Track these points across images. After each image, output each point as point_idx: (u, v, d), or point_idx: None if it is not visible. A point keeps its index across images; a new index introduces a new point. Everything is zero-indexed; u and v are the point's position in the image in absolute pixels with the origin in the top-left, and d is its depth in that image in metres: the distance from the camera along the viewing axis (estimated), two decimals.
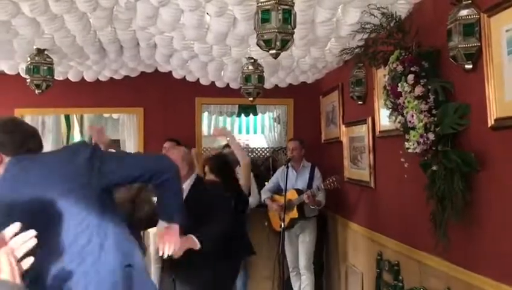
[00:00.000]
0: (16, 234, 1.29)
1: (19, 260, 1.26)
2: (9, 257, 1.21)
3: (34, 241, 1.30)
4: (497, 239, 2.37)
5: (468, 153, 2.51)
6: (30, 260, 1.29)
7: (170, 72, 5.26)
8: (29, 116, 5.81)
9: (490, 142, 2.40)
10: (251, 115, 7.78)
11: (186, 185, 3.22)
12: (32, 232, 1.30)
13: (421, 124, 2.66)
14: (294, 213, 4.70)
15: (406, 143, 2.82)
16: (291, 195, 4.70)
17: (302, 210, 4.75)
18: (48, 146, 6.33)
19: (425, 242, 2.96)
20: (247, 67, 4.31)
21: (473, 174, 2.53)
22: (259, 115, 7.69)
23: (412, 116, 2.71)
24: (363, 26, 3.13)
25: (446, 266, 2.79)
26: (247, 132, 8.34)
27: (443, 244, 2.69)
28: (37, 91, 4.15)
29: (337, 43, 3.85)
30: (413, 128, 2.72)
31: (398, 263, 3.38)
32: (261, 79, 4.34)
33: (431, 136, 2.64)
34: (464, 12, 2.41)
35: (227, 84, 5.48)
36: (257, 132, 8.20)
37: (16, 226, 1.30)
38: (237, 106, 7.02)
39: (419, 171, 2.86)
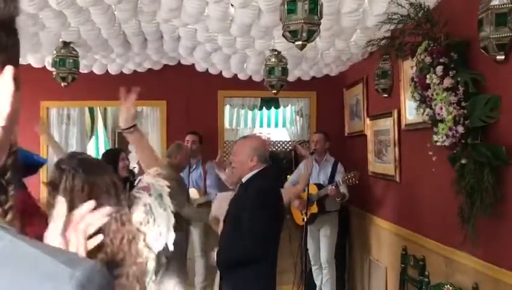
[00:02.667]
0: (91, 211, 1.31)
1: (89, 237, 1.29)
2: (78, 236, 1.22)
3: (106, 219, 1.31)
4: None
5: (499, 146, 2.45)
6: (99, 237, 1.31)
7: (193, 64, 5.27)
8: (55, 109, 5.90)
9: None
10: (273, 108, 7.74)
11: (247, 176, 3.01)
12: (107, 210, 1.32)
13: (450, 116, 2.60)
14: (314, 208, 4.67)
15: (434, 136, 2.77)
16: (311, 189, 4.66)
17: (322, 205, 4.72)
18: (73, 139, 6.42)
19: (453, 237, 2.91)
20: (271, 60, 4.29)
21: (503, 168, 2.47)
22: (282, 108, 7.64)
23: (441, 108, 2.65)
24: (390, 16, 3.07)
25: (474, 261, 2.74)
26: (269, 125, 8.30)
27: (471, 240, 2.63)
28: (62, 84, 4.20)
29: (362, 35, 3.79)
30: (442, 120, 2.67)
31: (424, 258, 3.32)
32: (284, 71, 4.30)
33: (460, 128, 2.58)
34: (496, 2, 2.33)
35: (250, 77, 5.46)
36: (279, 125, 8.15)
37: (91, 204, 1.31)
38: (259, 99, 7.00)
39: (447, 165, 2.81)
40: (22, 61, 4.59)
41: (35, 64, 4.83)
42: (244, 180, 3.01)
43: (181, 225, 4.47)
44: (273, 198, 2.98)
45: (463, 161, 2.63)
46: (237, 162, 3.05)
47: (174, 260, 4.31)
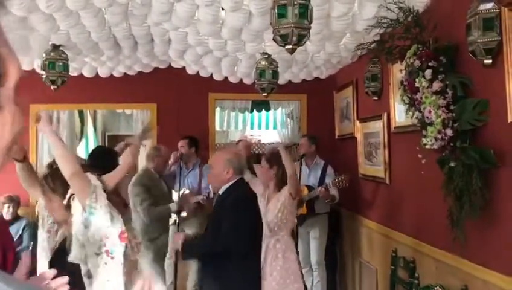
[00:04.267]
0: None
1: None
2: None
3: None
4: None
5: (487, 150, 2.48)
6: None
7: (184, 67, 5.27)
8: (44, 112, 5.86)
9: (510, 138, 2.36)
10: (264, 111, 7.75)
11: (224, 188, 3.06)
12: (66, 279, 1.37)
13: (439, 119, 2.62)
14: (303, 209, 4.69)
15: (423, 139, 2.79)
16: (302, 191, 4.68)
17: (312, 207, 4.74)
18: None
19: (442, 239, 2.93)
20: (262, 63, 4.30)
21: (491, 171, 2.50)
22: (272, 111, 7.65)
23: (430, 111, 2.67)
24: (379, 20, 3.09)
25: (463, 263, 2.77)
26: (260, 128, 8.31)
27: (460, 242, 2.66)
28: (52, 87, 4.18)
29: (352, 38, 3.82)
30: (431, 124, 2.69)
31: (414, 260, 3.35)
32: (275, 74, 4.32)
33: (449, 132, 2.61)
34: (483, 7, 2.36)
35: (241, 80, 5.47)
36: (270, 128, 8.17)
37: (54, 271, 1.36)
38: (250, 101, 7.00)
39: (436, 168, 2.83)
40: None
41: (25, 67, 4.80)
42: (220, 192, 3.06)
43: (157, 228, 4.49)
44: (250, 205, 3.05)
45: (452, 164, 2.65)
46: (213, 174, 3.11)
47: (153, 262, 4.33)
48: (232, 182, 3.02)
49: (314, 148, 4.97)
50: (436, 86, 2.66)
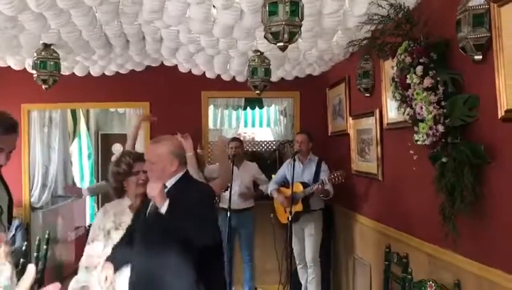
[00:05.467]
0: None
1: None
2: None
3: None
4: (507, 231, 2.36)
5: (478, 145, 2.49)
6: None
7: (176, 65, 5.27)
8: (36, 112, 5.83)
9: (500, 134, 2.38)
10: (257, 108, 7.77)
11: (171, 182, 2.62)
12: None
13: (430, 116, 2.64)
14: (299, 206, 4.69)
15: (415, 135, 2.80)
16: (297, 188, 4.68)
17: (307, 203, 4.74)
18: (55, 141, 6.36)
19: (435, 235, 2.95)
20: (254, 60, 4.30)
21: (482, 167, 2.52)
22: (265, 108, 7.67)
23: (421, 108, 2.69)
24: (370, 17, 3.10)
25: (456, 258, 2.78)
26: (253, 125, 8.33)
27: (453, 237, 2.68)
28: (44, 86, 4.15)
29: (343, 35, 3.82)
30: (422, 120, 2.71)
31: (407, 255, 3.37)
32: (267, 72, 4.33)
33: (440, 128, 2.62)
34: (473, 3, 2.37)
35: (233, 78, 5.48)
36: (263, 125, 8.19)
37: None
38: (243, 99, 7.02)
39: (428, 164, 2.85)
40: (1, 63, 4.49)
41: (15, 66, 4.77)
42: (168, 185, 2.59)
43: None
44: (211, 200, 2.77)
45: (443, 160, 2.67)
46: (157, 170, 2.58)
47: None
48: (180, 175, 2.62)
49: (311, 146, 4.98)
50: (427, 82, 2.67)
